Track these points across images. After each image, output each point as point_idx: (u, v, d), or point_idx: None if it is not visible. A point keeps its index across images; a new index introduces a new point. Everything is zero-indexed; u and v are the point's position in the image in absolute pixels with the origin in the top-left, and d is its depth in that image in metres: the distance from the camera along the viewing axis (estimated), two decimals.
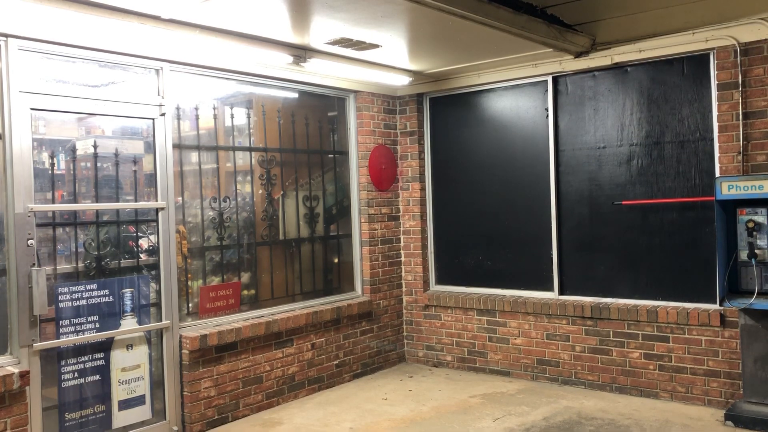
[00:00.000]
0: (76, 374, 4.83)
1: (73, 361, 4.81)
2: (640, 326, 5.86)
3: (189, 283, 5.53)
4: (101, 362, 4.98)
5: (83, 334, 4.83)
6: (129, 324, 5.11)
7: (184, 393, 5.32)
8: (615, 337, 6.01)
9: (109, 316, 5.00)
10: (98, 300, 4.95)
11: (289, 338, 6.09)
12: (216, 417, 5.47)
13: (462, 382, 6.55)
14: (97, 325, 4.93)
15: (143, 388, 5.20)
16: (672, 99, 5.81)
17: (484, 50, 5.93)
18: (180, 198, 5.49)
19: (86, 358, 4.88)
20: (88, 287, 4.90)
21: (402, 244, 7.39)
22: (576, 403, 5.78)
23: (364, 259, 7.02)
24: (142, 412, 5.20)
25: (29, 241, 4.51)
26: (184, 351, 5.29)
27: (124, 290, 5.10)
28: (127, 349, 5.12)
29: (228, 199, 5.88)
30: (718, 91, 5.48)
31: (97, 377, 4.95)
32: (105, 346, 4.99)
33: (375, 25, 4.96)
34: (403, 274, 7.40)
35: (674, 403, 5.68)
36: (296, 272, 6.49)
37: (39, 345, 4.54)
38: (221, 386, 5.51)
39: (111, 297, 5.02)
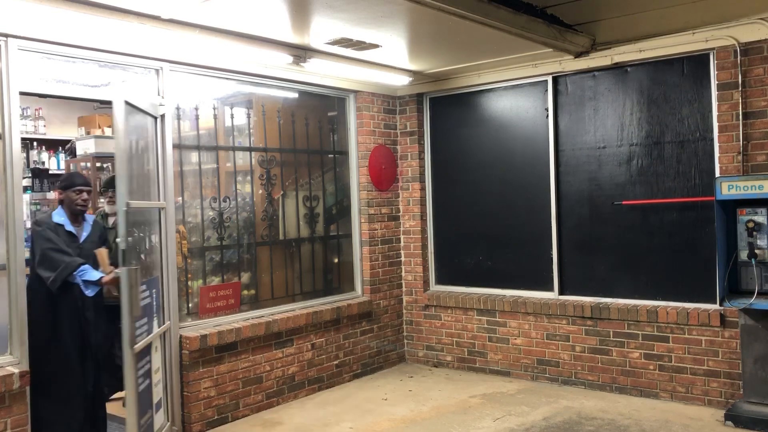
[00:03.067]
0: None
1: None
2: (640, 326, 5.86)
3: (189, 283, 5.53)
4: None
5: None
6: None
7: (184, 393, 5.32)
8: (615, 337, 6.00)
9: None
10: None
11: (289, 338, 6.09)
12: (216, 417, 5.47)
13: (462, 382, 6.55)
14: None
15: None
16: (672, 99, 5.81)
17: (484, 50, 5.93)
18: (180, 198, 5.49)
19: None
20: None
21: (402, 244, 7.39)
22: (576, 403, 5.78)
23: (364, 259, 7.01)
24: None
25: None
26: (184, 351, 5.29)
27: None
28: None
29: (228, 199, 5.88)
30: (718, 91, 5.48)
31: None
32: None
33: (375, 25, 4.96)
34: (403, 274, 7.39)
35: (674, 403, 5.68)
36: (296, 272, 6.49)
37: None
38: (221, 386, 5.51)
39: None
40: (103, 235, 5.00)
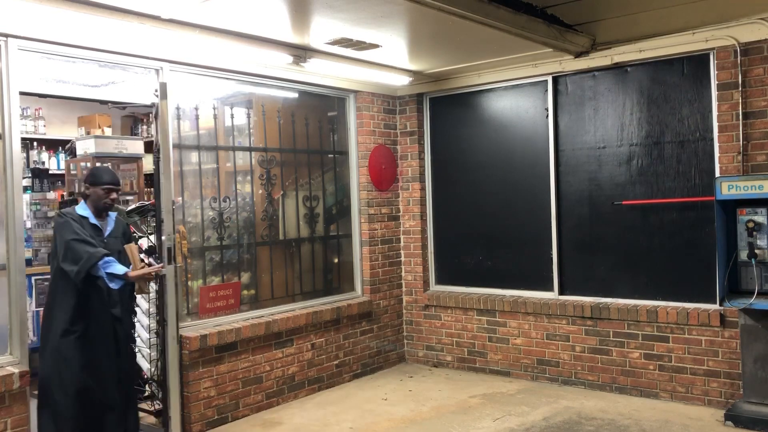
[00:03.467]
0: None
1: None
2: (640, 326, 5.86)
3: (189, 283, 5.53)
4: None
5: None
6: None
7: (184, 393, 5.31)
8: (615, 337, 6.00)
9: None
10: None
11: (289, 338, 6.09)
12: (216, 417, 5.47)
13: (462, 382, 6.55)
14: None
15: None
16: (672, 99, 5.81)
17: (484, 50, 5.93)
18: (180, 198, 5.49)
19: None
20: None
21: (402, 244, 7.39)
22: (576, 403, 5.78)
23: (364, 259, 7.01)
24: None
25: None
26: (184, 351, 5.29)
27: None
28: None
29: (228, 199, 5.88)
30: (718, 91, 5.48)
31: None
32: None
33: (375, 25, 4.96)
34: (403, 274, 7.39)
35: (674, 403, 5.68)
36: (296, 272, 6.49)
37: None
38: (221, 386, 5.51)
39: None
40: (127, 231, 4.92)
